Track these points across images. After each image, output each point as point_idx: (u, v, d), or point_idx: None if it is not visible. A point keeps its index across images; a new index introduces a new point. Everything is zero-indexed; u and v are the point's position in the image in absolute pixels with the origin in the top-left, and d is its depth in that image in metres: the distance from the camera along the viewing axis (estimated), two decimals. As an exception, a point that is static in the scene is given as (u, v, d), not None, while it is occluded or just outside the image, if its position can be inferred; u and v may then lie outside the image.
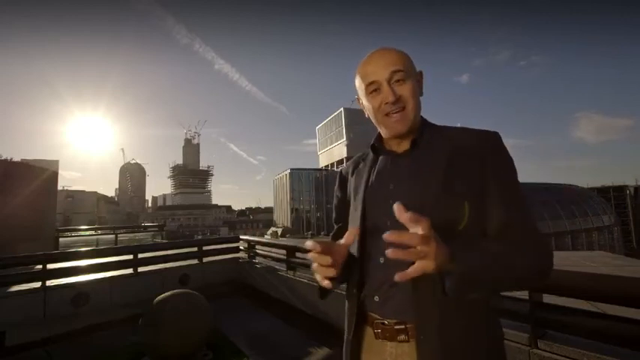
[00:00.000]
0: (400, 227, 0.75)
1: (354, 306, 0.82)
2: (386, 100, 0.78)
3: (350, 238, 0.73)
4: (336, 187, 1.03)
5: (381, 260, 0.77)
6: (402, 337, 0.74)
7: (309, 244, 0.70)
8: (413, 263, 0.63)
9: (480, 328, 0.73)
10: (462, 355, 0.70)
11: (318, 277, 0.73)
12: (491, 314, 0.77)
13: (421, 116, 0.85)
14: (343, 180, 1.00)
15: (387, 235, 0.57)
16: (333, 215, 1.04)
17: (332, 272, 0.70)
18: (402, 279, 0.58)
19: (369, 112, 0.85)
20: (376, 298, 0.78)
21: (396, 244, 0.57)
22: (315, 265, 0.72)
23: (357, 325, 0.82)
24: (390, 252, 0.57)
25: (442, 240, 0.66)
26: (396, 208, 0.60)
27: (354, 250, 0.83)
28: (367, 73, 0.81)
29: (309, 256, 0.73)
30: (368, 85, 0.80)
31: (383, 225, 0.78)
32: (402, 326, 0.74)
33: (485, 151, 0.76)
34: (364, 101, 0.85)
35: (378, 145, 0.89)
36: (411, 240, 0.57)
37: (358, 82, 0.84)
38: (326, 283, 0.72)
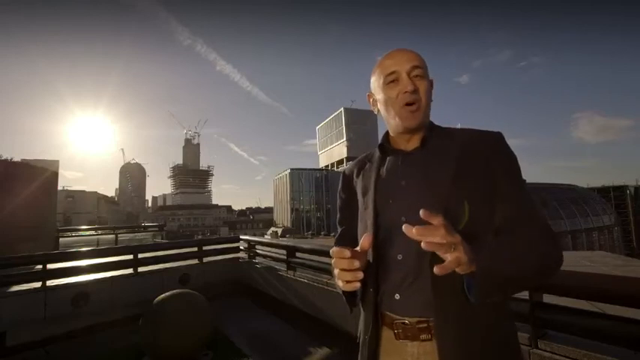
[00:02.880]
0: (417, 224, 0.75)
1: (372, 306, 0.80)
2: (405, 89, 0.79)
3: (366, 245, 0.73)
4: (339, 188, 1.02)
5: (399, 257, 0.77)
6: (425, 335, 0.73)
7: (333, 249, 0.72)
8: (435, 257, 0.67)
9: (497, 325, 0.74)
10: (482, 351, 0.71)
11: (340, 282, 0.73)
12: (505, 311, 0.79)
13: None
14: (347, 181, 0.99)
15: (415, 230, 0.59)
16: (337, 217, 1.03)
17: (361, 275, 0.71)
18: (441, 272, 0.59)
19: (383, 105, 0.85)
20: (397, 296, 0.76)
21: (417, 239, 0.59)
22: (337, 271, 0.72)
23: (375, 327, 0.80)
24: (424, 245, 0.59)
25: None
26: (422, 213, 0.60)
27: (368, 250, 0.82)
28: (387, 66, 0.82)
29: (333, 262, 0.73)
30: (387, 76, 0.82)
31: (398, 221, 0.77)
32: (425, 325, 0.73)
33: (489, 151, 0.77)
34: (380, 94, 0.85)
35: (386, 145, 0.90)
36: (437, 231, 0.58)
37: (375, 77, 0.86)
38: (350, 286, 0.72)
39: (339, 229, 1.01)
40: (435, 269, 0.59)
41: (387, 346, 0.78)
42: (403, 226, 0.61)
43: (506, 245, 0.68)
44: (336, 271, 0.73)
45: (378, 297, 0.80)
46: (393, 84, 0.81)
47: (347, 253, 0.70)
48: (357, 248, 0.74)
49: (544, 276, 0.71)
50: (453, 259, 0.59)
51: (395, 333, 0.76)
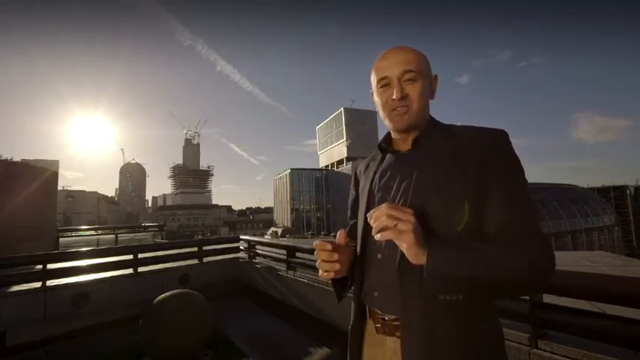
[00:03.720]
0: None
1: (357, 301, 0.86)
2: (392, 96, 0.80)
3: (341, 240, 0.82)
4: (351, 185, 1.07)
5: (379, 256, 0.81)
6: (399, 333, 0.75)
7: (316, 242, 0.79)
8: (404, 257, 0.71)
9: (473, 326, 0.71)
10: (450, 352, 0.69)
11: (320, 271, 0.80)
12: (489, 314, 0.75)
13: (430, 116, 0.86)
14: (356, 179, 1.04)
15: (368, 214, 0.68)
16: (348, 212, 1.08)
17: (337, 267, 0.79)
18: (380, 239, 0.66)
19: (378, 107, 0.87)
20: (375, 294, 0.81)
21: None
22: (319, 262, 0.79)
23: (360, 319, 0.85)
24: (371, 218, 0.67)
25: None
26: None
27: (357, 249, 0.87)
28: (380, 69, 0.83)
29: (315, 253, 0.80)
30: (379, 80, 0.83)
31: None
32: (399, 322, 0.75)
33: (488, 150, 0.74)
34: (375, 97, 0.86)
35: (385, 145, 0.91)
36: (382, 211, 0.66)
37: (372, 78, 0.86)
38: (326, 275, 0.80)
39: (350, 224, 1.06)
40: (373, 231, 0.66)
41: (370, 338, 0.83)
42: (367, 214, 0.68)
43: (479, 249, 0.67)
44: (317, 262, 0.80)
45: (362, 292, 0.84)
46: (385, 88, 0.82)
47: (328, 246, 0.78)
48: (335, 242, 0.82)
49: (520, 289, 0.72)
50: (394, 230, 0.64)
51: (376, 327, 0.81)
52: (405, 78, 0.79)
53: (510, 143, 0.76)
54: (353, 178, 1.06)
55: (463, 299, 0.70)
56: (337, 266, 0.78)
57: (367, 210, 0.85)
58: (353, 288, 0.89)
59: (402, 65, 0.79)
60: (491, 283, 0.67)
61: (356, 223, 0.99)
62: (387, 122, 0.85)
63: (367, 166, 0.99)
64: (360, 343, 0.84)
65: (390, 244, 0.75)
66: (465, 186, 0.73)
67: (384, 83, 0.82)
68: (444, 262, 0.65)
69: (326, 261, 0.78)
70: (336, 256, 0.77)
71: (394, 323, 0.76)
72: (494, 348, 0.74)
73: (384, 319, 0.79)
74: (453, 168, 0.75)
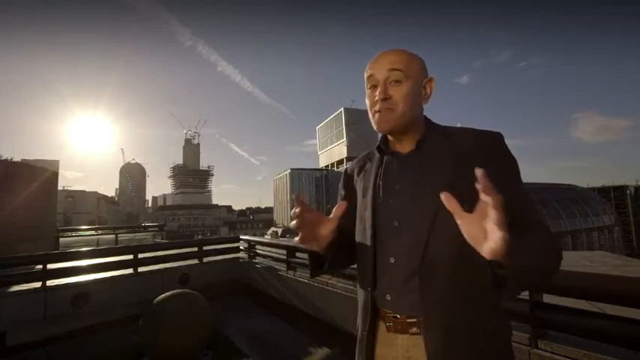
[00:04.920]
0: (408, 228, 0.77)
1: (368, 303, 0.83)
2: (376, 97, 0.80)
3: (338, 211, 0.77)
4: (340, 184, 1.05)
5: (392, 260, 0.79)
6: (414, 329, 0.75)
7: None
8: (425, 259, 0.71)
9: (487, 324, 0.73)
10: (469, 349, 0.71)
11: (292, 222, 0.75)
12: (499, 311, 0.77)
13: (426, 117, 0.86)
14: (348, 179, 1.01)
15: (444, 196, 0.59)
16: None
17: (299, 224, 0.73)
18: (492, 254, 0.54)
19: (367, 107, 0.87)
20: (388, 297, 0.79)
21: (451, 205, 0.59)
22: (293, 223, 0.75)
23: (371, 322, 0.83)
24: (486, 197, 0.55)
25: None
26: (444, 197, 0.59)
27: (366, 250, 0.84)
28: (369, 70, 0.83)
29: (292, 212, 0.74)
30: (367, 80, 0.83)
31: (392, 225, 0.81)
32: (414, 319, 0.75)
33: (488, 151, 0.75)
34: (365, 97, 0.87)
35: (384, 146, 0.90)
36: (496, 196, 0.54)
37: (365, 79, 0.87)
38: (293, 224, 0.74)
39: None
40: (489, 245, 0.54)
41: (381, 338, 0.82)
42: (441, 195, 0.60)
43: (525, 243, 0.65)
44: (292, 223, 0.75)
45: (374, 294, 0.83)
46: (372, 89, 0.82)
47: (303, 208, 0.73)
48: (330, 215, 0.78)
49: (547, 278, 0.70)
50: (501, 237, 0.53)
51: (386, 326, 0.80)
52: (390, 79, 0.79)
53: (505, 145, 0.78)
54: (343, 178, 1.03)
55: (480, 297, 0.71)
56: (305, 222, 0.73)
57: (374, 212, 0.84)
58: (361, 292, 0.87)
59: (387, 65, 0.79)
60: (546, 273, 0.67)
61: (344, 224, 0.98)
62: (372, 123, 0.85)
63: (363, 167, 0.96)
64: (372, 348, 0.83)
65: (402, 245, 0.77)
66: (470, 187, 0.73)
67: (371, 84, 0.82)
68: (526, 258, 0.60)
69: (297, 217, 0.73)
70: (300, 212, 0.72)
71: (408, 321, 0.76)
72: (502, 349, 0.76)
73: (395, 317, 0.78)
74: (455, 170, 0.75)
